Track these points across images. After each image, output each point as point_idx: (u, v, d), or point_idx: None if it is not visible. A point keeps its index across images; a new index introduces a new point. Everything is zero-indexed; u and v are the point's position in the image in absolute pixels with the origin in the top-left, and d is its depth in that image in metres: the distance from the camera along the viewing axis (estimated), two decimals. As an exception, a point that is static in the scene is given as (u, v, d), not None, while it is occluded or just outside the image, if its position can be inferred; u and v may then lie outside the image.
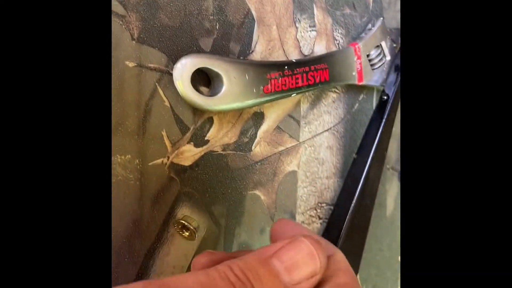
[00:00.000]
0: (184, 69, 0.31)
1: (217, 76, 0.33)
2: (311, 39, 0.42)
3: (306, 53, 0.41)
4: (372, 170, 0.44)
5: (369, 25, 0.46)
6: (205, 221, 0.36)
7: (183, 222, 0.34)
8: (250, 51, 0.37)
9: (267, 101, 0.36)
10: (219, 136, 0.36)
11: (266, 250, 0.23)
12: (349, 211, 0.42)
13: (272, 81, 0.35)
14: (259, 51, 0.38)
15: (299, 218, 0.43)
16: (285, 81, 0.36)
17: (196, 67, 0.32)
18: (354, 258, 0.44)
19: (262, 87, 0.35)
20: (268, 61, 0.38)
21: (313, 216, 0.44)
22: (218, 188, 0.37)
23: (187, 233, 0.35)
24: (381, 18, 0.46)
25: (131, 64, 0.31)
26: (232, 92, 0.33)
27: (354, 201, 0.42)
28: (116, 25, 0.31)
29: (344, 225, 0.41)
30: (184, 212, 0.35)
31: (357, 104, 0.46)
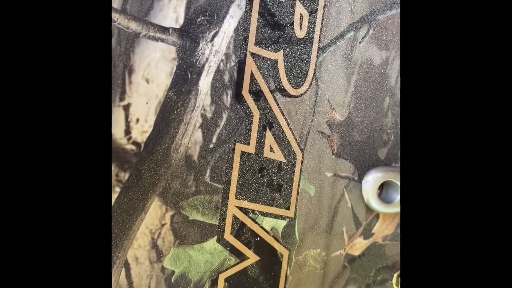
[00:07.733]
0: (374, 182, 0.37)
1: (396, 186, 0.39)
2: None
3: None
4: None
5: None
6: (363, 301, 0.42)
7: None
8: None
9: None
10: (382, 229, 0.42)
11: None
12: None
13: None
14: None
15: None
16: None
17: (383, 180, 0.37)
18: None
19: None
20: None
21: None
22: (375, 273, 0.42)
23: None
24: None
25: (329, 174, 0.37)
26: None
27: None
28: (322, 142, 0.37)
29: None
30: (350, 294, 0.41)
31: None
